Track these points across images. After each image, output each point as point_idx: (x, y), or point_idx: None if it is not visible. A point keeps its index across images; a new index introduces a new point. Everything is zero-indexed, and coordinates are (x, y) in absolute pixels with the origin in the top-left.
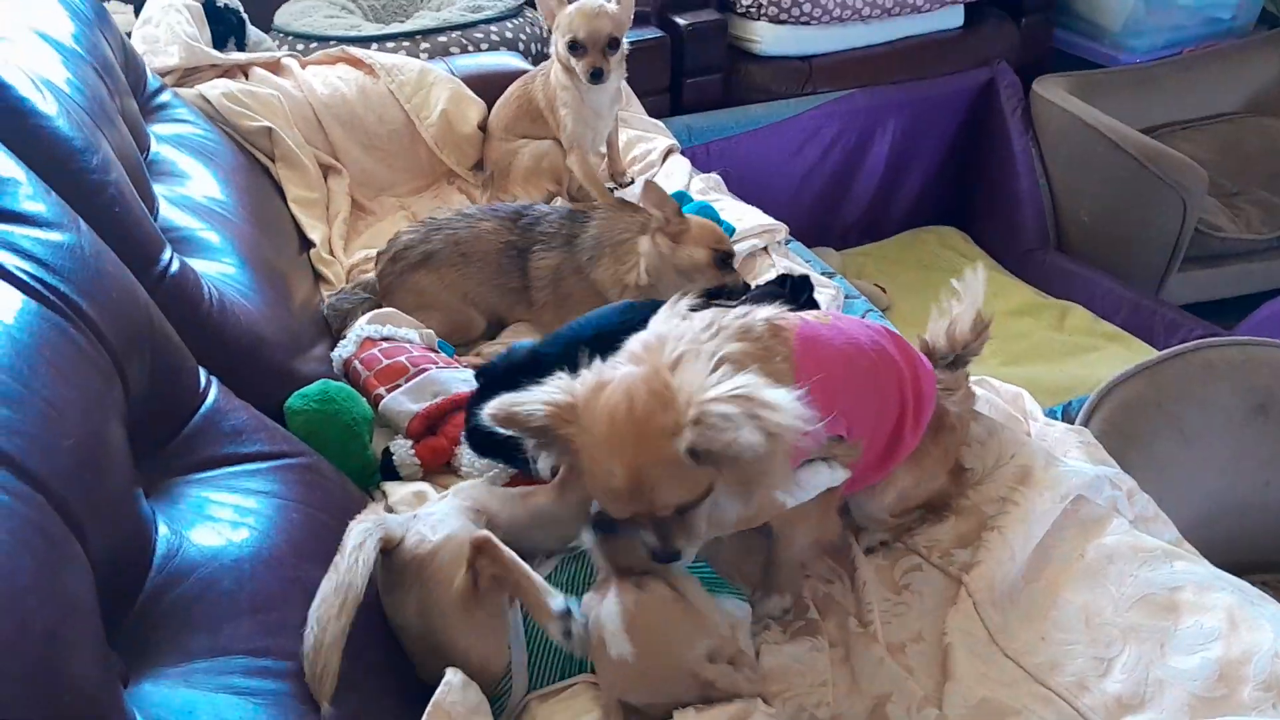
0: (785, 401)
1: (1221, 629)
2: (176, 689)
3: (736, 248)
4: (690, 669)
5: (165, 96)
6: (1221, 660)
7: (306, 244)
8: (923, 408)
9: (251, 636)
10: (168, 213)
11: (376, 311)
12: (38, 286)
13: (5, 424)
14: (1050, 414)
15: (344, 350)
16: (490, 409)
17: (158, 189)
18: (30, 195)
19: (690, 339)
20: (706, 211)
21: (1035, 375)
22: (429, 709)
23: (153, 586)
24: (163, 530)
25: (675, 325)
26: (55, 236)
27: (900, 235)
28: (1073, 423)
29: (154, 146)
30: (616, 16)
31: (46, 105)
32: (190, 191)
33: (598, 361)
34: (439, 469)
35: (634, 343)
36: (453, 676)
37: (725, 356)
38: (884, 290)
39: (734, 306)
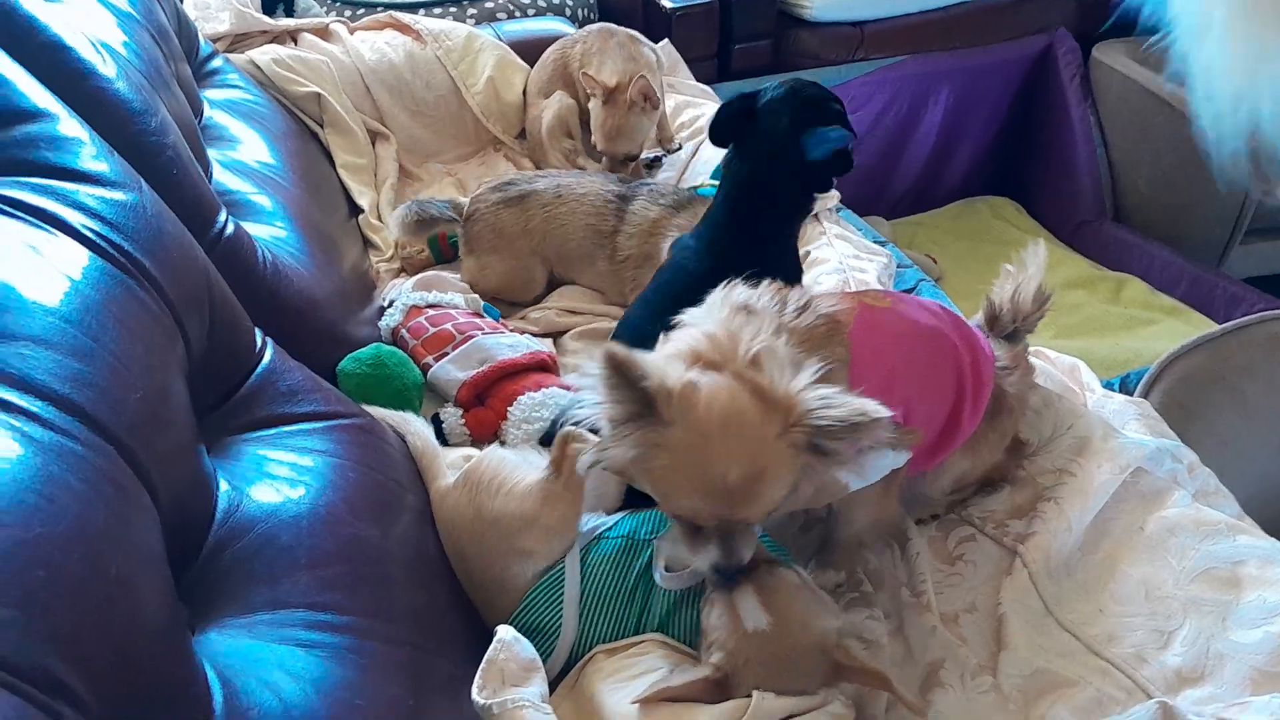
0: (870, 404)
1: None
2: (240, 639)
3: None
4: (823, 644)
5: (217, 62)
6: None
7: (355, 210)
8: (981, 392)
9: (310, 591)
10: (221, 176)
11: (421, 276)
12: (104, 245)
13: (77, 376)
14: (1107, 386)
15: (391, 319)
16: (617, 346)
17: (211, 153)
18: (94, 155)
19: (762, 340)
20: None
21: (1090, 348)
22: (483, 665)
23: (215, 540)
24: (224, 486)
25: (735, 319)
26: (119, 196)
27: (952, 205)
28: (1131, 395)
29: (207, 111)
30: (635, 135)
31: (106, 68)
32: (242, 156)
33: (659, 351)
34: (486, 439)
35: (696, 339)
36: (505, 633)
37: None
38: (935, 261)
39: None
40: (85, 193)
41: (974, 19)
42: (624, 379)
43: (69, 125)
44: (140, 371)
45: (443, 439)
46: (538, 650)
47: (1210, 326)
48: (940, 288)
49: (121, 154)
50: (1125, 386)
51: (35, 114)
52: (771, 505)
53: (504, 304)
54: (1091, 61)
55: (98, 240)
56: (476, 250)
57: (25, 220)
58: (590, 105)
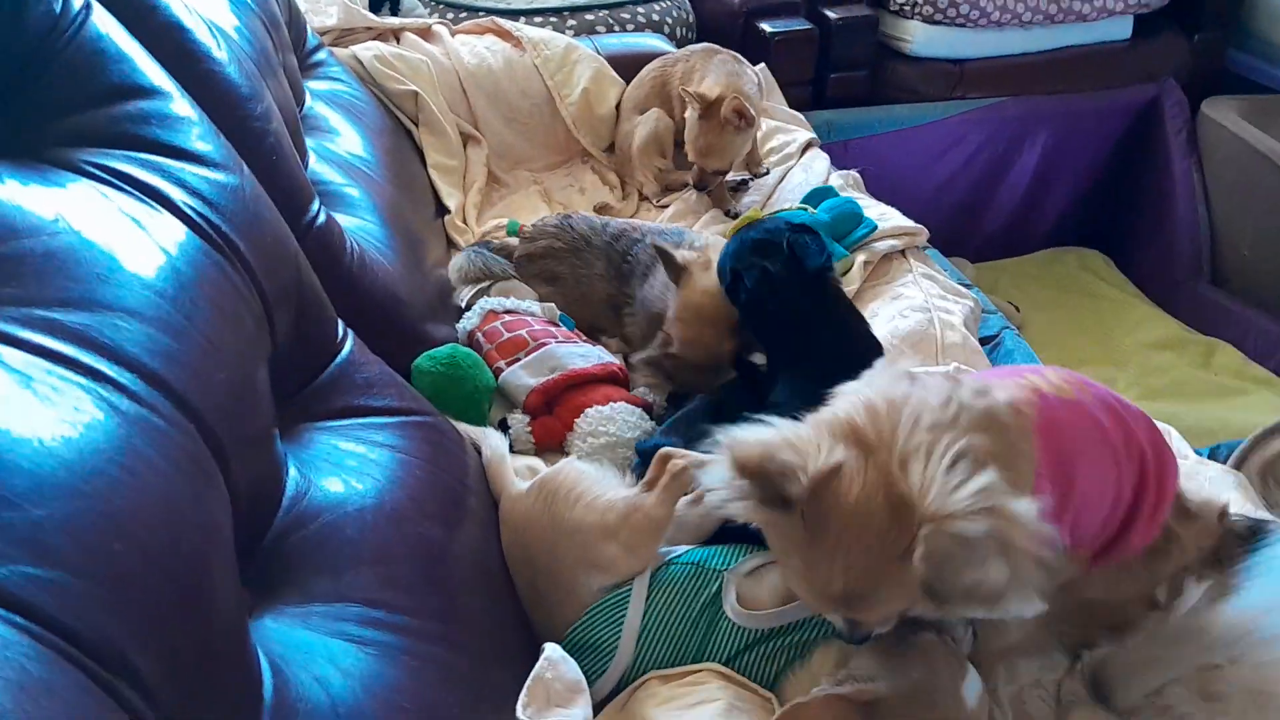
0: (1030, 517)
1: None
2: (295, 629)
3: (875, 245)
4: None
5: (322, 55)
6: None
7: (442, 210)
8: (1161, 507)
9: (370, 586)
10: (316, 166)
11: (501, 284)
12: (202, 224)
13: (167, 352)
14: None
15: (469, 322)
16: (743, 451)
17: (309, 142)
18: (201, 135)
19: (928, 423)
20: (849, 207)
21: (1176, 413)
22: (529, 682)
23: (280, 526)
24: (292, 473)
25: (904, 391)
26: (221, 177)
27: (1039, 253)
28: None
29: (309, 102)
30: (727, 153)
31: (219, 52)
32: (338, 148)
33: (820, 418)
34: (551, 449)
35: (855, 408)
36: (552, 652)
37: (965, 451)
38: (1017, 309)
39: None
40: (190, 171)
41: (1079, 63)
42: (756, 479)
43: (180, 105)
44: (228, 353)
45: (508, 445)
46: (591, 668)
47: None
48: (1021, 337)
49: (227, 137)
50: (1215, 456)
51: (150, 91)
52: (890, 615)
53: None
54: (1200, 116)
55: (197, 219)
56: (533, 284)
57: (131, 194)
58: (686, 116)
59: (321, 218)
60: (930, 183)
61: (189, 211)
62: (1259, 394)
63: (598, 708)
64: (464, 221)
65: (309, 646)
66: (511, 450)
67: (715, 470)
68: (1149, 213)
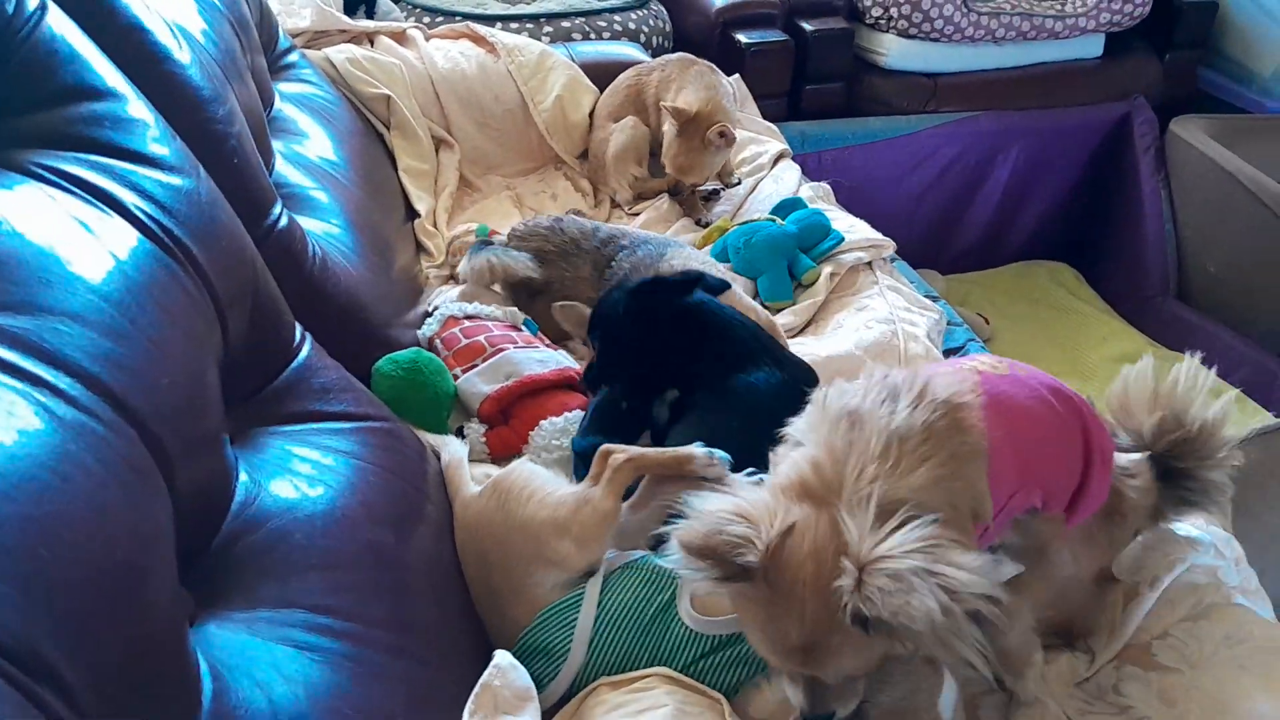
0: (971, 563)
1: None
2: (239, 634)
3: (842, 258)
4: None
5: (293, 56)
6: None
7: (412, 214)
8: (1108, 457)
9: (317, 592)
10: (283, 169)
11: (463, 287)
12: (154, 228)
13: (109, 356)
14: None
15: (428, 329)
16: (688, 536)
17: (276, 145)
18: (157, 138)
19: (870, 475)
20: (816, 218)
21: None
22: (476, 690)
23: (228, 531)
24: (243, 477)
25: (845, 441)
26: (176, 181)
27: (1010, 266)
28: None
29: (278, 104)
30: (704, 170)
31: (181, 54)
32: (307, 151)
33: (776, 480)
34: (506, 460)
35: (802, 468)
36: (501, 659)
37: (905, 499)
38: (987, 321)
39: None
40: (143, 174)
41: (1052, 79)
42: (709, 559)
43: (136, 107)
44: (174, 357)
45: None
46: (543, 672)
47: (1266, 418)
48: (989, 349)
49: (185, 139)
50: None
51: (104, 93)
52: (852, 669)
53: None
54: (1169, 135)
55: (149, 223)
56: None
57: (80, 196)
58: (664, 130)
59: (283, 221)
60: (903, 195)
61: (140, 215)
62: None
63: (550, 713)
64: (434, 226)
65: (253, 652)
66: (469, 459)
67: (672, 557)
68: (1118, 229)
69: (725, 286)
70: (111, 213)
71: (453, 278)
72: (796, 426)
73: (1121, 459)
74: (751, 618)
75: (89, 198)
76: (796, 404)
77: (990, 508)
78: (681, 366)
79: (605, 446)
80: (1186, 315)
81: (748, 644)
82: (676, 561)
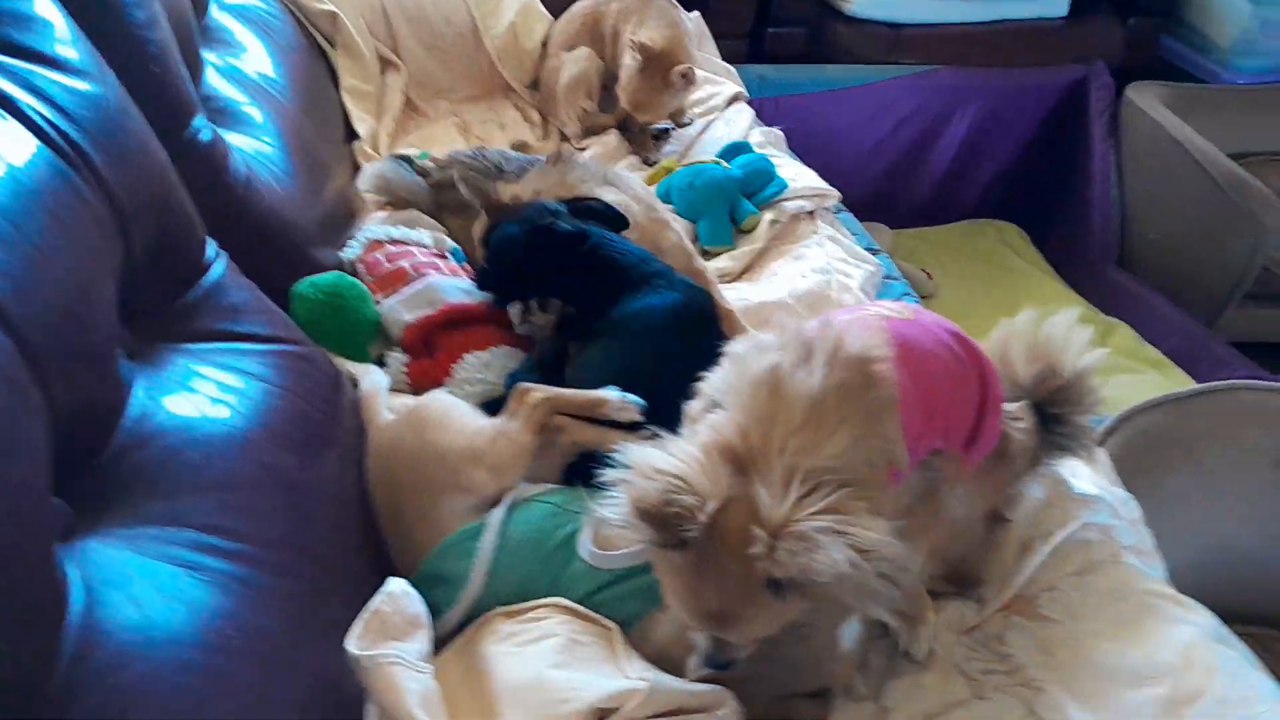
0: (877, 526)
1: None
2: (120, 550)
3: (785, 205)
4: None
5: None
6: None
7: (352, 135)
8: (998, 401)
9: (209, 512)
10: (214, 81)
11: (394, 213)
12: (52, 132)
13: None
14: None
15: (349, 252)
16: (641, 498)
17: (209, 56)
18: (63, 40)
19: (794, 447)
20: (762, 164)
21: None
22: (364, 615)
23: (118, 446)
24: (139, 394)
25: (768, 409)
26: (80, 85)
27: (959, 224)
28: None
29: (214, 12)
30: (661, 109)
31: None
32: (243, 65)
33: (708, 442)
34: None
35: (729, 433)
36: (394, 586)
37: (819, 472)
38: (930, 276)
39: None
40: (45, 76)
41: (1014, 38)
42: (655, 524)
43: (43, 5)
44: (61, 265)
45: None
46: (442, 599)
47: (1189, 384)
48: (929, 305)
49: (99, 43)
50: None
51: None
52: (764, 632)
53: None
54: (1123, 100)
55: (45, 127)
56: (441, 214)
57: None
58: (624, 62)
59: (206, 134)
60: (858, 146)
61: (36, 118)
62: (1149, 374)
63: (446, 641)
64: (375, 149)
65: (133, 568)
66: (390, 389)
67: (615, 508)
68: (1067, 192)
69: (621, 219)
70: (7, 116)
71: (390, 204)
72: (713, 383)
73: (1006, 406)
74: (674, 583)
75: None
76: (692, 323)
77: (905, 455)
78: (576, 294)
79: (522, 385)
80: (1125, 281)
81: (646, 577)
82: (619, 516)
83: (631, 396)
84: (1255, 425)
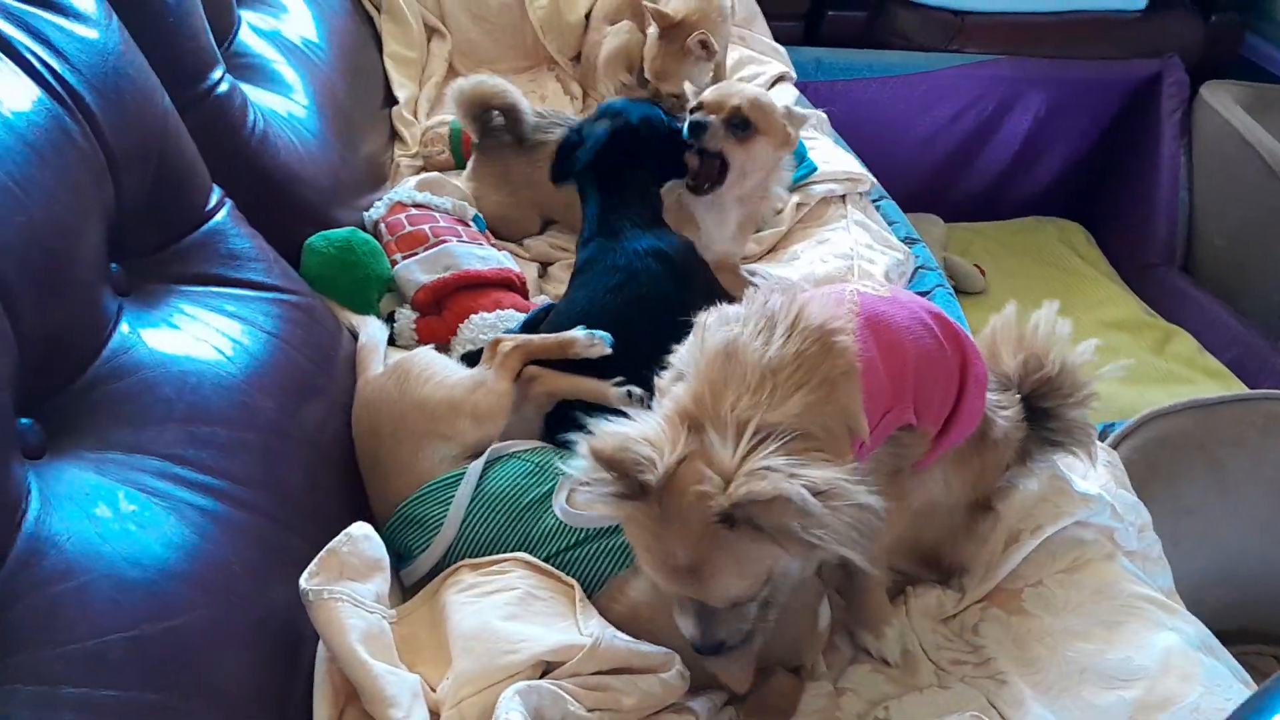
0: (832, 471)
1: None
2: (86, 472)
3: (813, 189)
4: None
5: None
6: None
7: (392, 100)
8: (982, 382)
9: (174, 443)
10: (248, 38)
11: (424, 176)
12: (46, 74)
13: None
14: None
15: (374, 212)
16: (599, 445)
17: (251, 17)
18: None
19: (745, 406)
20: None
21: (1115, 394)
22: (322, 554)
23: (94, 375)
24: (123, 328)
25: (723, 374)
26: (81, 30)
27: (1018, 220)
28: (1103, 443)
29: None
30: (680, 79)
31: None
32: (283, 27)
33: (666, 408)
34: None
35: (684, 401)
36: (356, 530)
37: (773, 426)
38: (983, 272)
39: None
40: (46, 18)
41: (1087, 29)
42: (614, 470)
43: None
44: (38, 198)
45: (391, 339)
46: (415, 542)
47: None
48: (981, 302)
49: None
50: (1106, 432)
51: None
52: (737, 592)
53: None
54: (1197, 99)
55: (40, 68)
56: (479, 182)
57: None
58: (648, 33)
59: (224, 86)
60: (914, 134)
61: (31, 59)
62: (1206, 385)
63: (417, 588)
64: (414, 115)
65: (93, 488)
66: (396, 344)
67: (577, 462)
68: (1132, 191)
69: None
70: (2, 56)
71: (424, 168)
72: (680, 356)
73: (993, 395)
74: (641, 538)
75: None
76: (673, 273)
77: (865, 425)
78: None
79: (496, 338)
80: (1187, 287)
81: (616, 539)
82: (581, 468)
83: (599, 333)
84: None
